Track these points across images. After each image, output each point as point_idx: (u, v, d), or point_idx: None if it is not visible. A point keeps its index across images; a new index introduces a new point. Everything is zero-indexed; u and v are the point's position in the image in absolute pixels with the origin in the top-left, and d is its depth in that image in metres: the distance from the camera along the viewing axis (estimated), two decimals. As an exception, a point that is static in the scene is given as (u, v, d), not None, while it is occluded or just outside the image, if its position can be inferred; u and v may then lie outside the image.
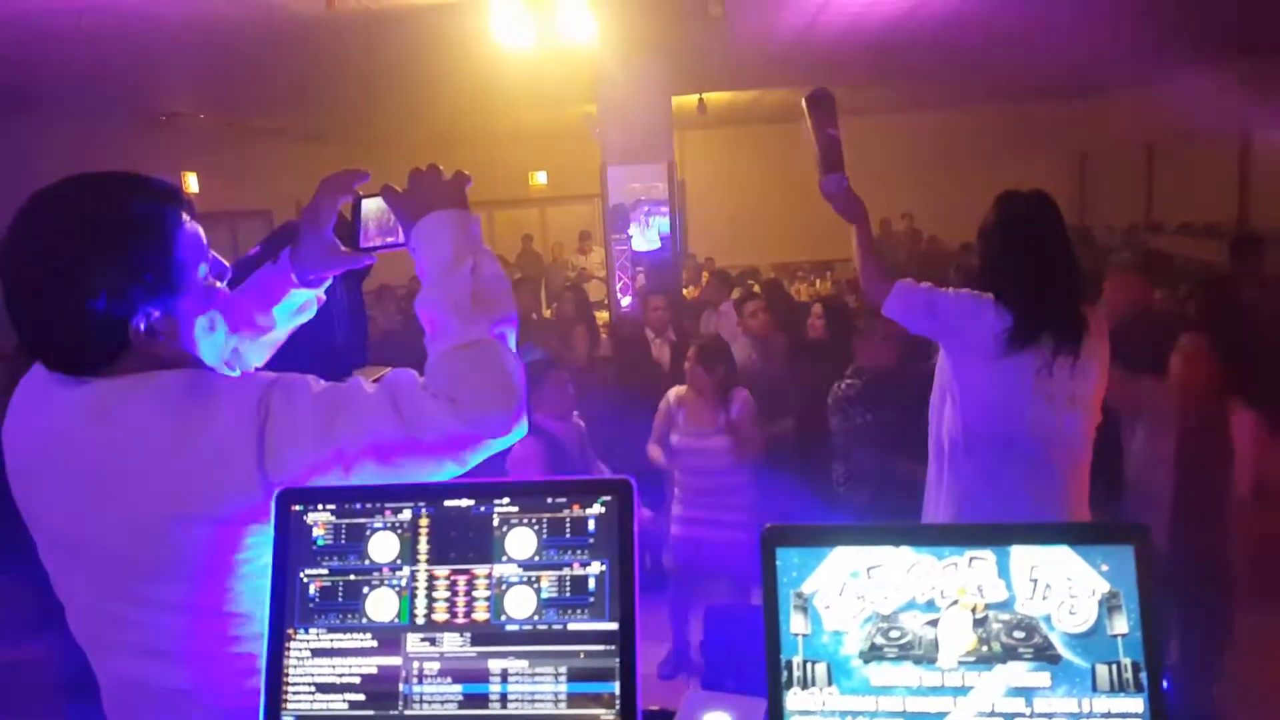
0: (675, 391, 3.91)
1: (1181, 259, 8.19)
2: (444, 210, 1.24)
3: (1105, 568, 0.96)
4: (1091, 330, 2.31)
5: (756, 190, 12.60)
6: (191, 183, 9.84)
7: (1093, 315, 2.35)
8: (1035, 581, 0.97)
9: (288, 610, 1.07)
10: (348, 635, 1.07)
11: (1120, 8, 6.13)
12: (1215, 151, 9.54)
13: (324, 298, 1.45)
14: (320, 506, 1.09)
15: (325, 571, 1.08)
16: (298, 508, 1.09)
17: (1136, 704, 0.94)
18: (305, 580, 1.08)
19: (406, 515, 1.08)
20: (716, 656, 2.73)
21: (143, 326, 1.12)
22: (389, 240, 1.33)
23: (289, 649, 1.07)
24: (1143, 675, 0.95)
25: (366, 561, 1.08)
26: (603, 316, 8.28)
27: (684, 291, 8.11)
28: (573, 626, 1.06)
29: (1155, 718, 0.94)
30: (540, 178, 13.49)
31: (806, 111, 2.29)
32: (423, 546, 1.08)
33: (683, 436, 3.80)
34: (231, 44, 5.83)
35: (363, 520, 1.09)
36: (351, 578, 1.08)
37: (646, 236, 7.56)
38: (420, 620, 1.06)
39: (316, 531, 1.09)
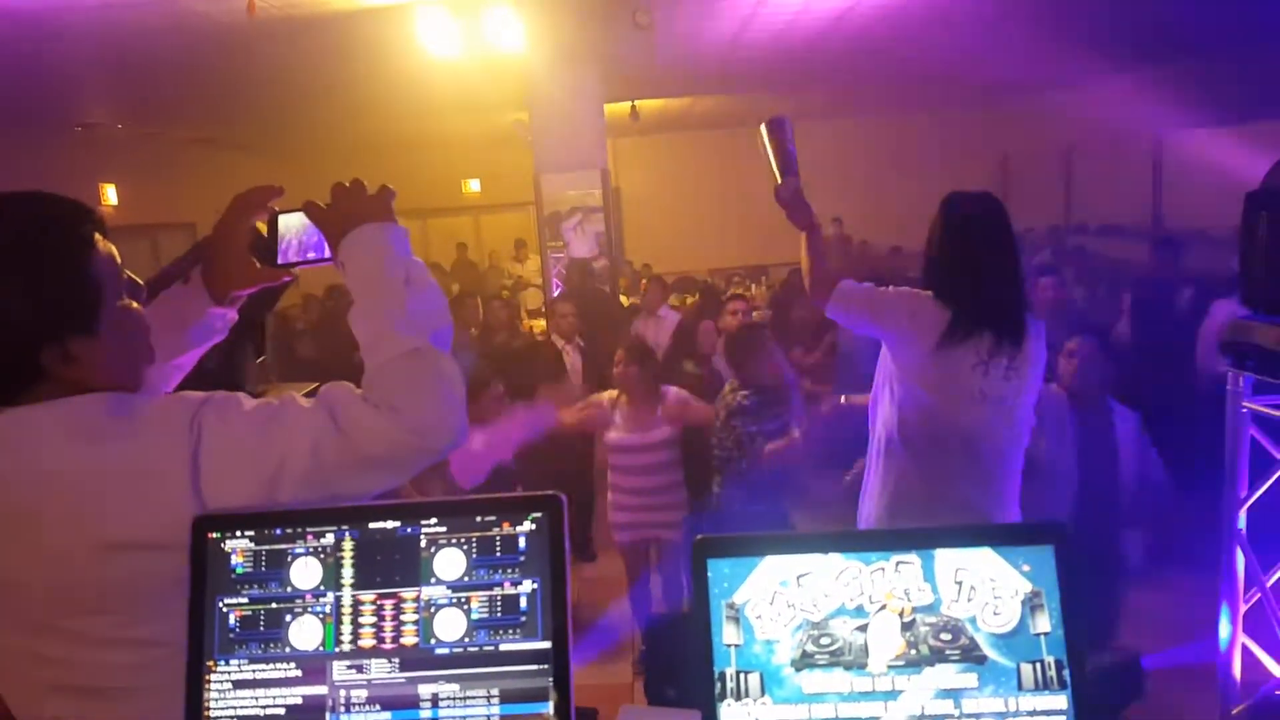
0: (608, 395, 3.93)
1: (1103, 259, 8.49)
2: (372, 223, 1.21)
3: (1027, 568, 0.99)
4: (1031, 338, 2.35)
5: (692, 196, 12.71)
6: (110, 195, 9.49)
7: (1035, 325, 2.40)
8: (960, 584, 0.99)
9: (207, 641, 1.04)
10: (271, 665, 1.03)
11: (1039, 16, 6.34)
12: (1130, 154, 9.94)
13: (235, 317, 1.40)
14: (239, 533, 1.05)
15: (245, 600, 1.04)
16: (215, 535, 1.05)
17: (1060, 701, 0.97)
18: (225, 609, 1.04)
19: (329, 539, 1.05)
20: (657, 668, 2.74)
21: (58, 353, 1.06)
22: (310, 256, 1.30)
23: (209, 681, 1.03)
24: (1066, 673, 0.97)
25: (288, 588, 1.05)
26: (540, 325, 8.24)
27: (622, 299, 8.12)
28: (504, 647, 1.04)
29: (1079, 714, 0.96)
30: (473, 185, 13.35)
31: (765, 133, 2.37)
32: (347, 571, 1.05)
33: (622, 434, 3.81)
34: (149, 52, 5.64)
35: (283, 546, 1.05)
36: (273, 606, 1.04)
37: (584, 243, 7.55)
38: (346, 647, 1.04)
39: (235, 559, 1.05)
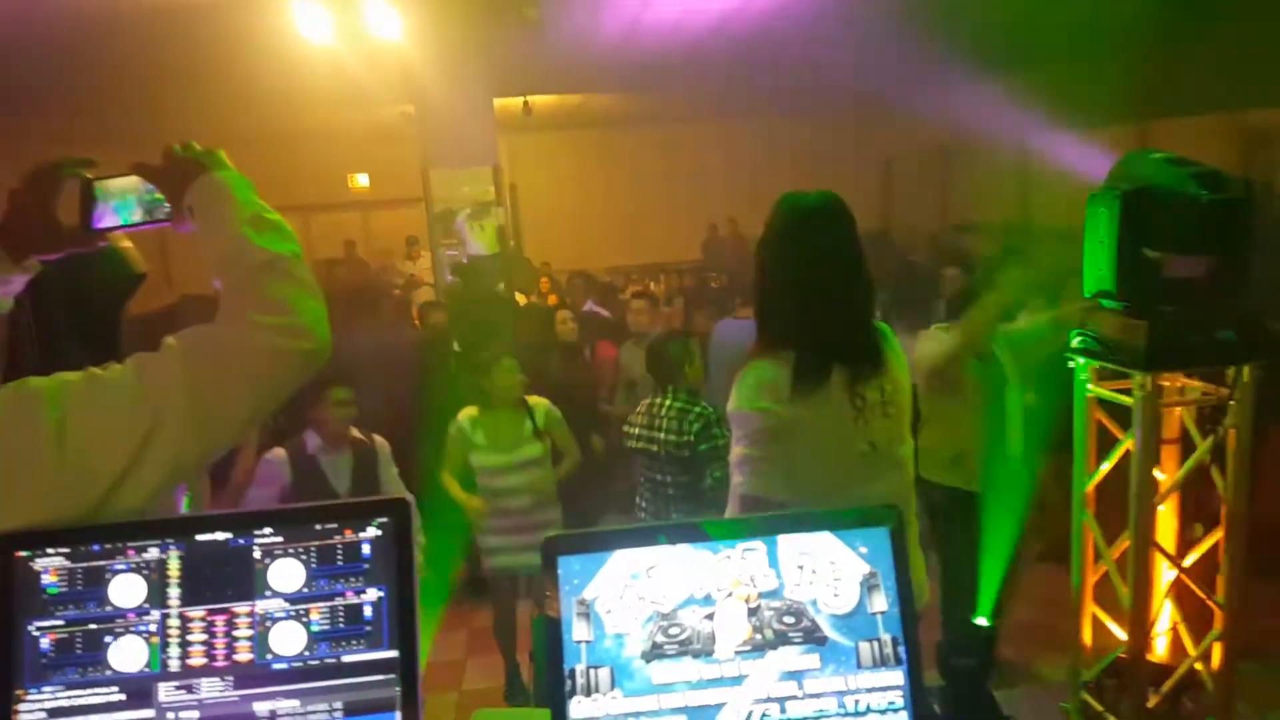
0: (466, 413, 3.59)
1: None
2: (216, 171, 1.22)
3: (864, 550, 1.01)
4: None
5: (590, 194, 12.65)
6: (-43, 192, 8.81)
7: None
8: (802, 568, 1.01)
9: (15, 669, 0.96)
10: (90, 690, 0.97)
11: (904, 21, 6.58)
12: (999, 155, 10.44)
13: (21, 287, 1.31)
14: (50, 551, 0.98)
15: (60, 622, 0.97)
16: (23, 554, 0.97)
17: (897, 676, 1.00)
18: (35, 634, 0.97)
19: (153, 554, 0.99)
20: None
21: None
22: (132, 219, 1.26)
23: (18, 712, 0.96)
24: (901, 649, 1.00)
25: (108, 608, 0.98)
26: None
27: (518, 296, 8.03)
28: (347, 659, 1.00)
29: (914, 688, 0.99)
30: (362, 180, 12.95)
31: None
32: (173, 587, 0.99)
33: (490, 455, 3.53)
34: (2, 40, 5.26)
35: (102, 562, 0.99)
36: (91, 627, 0.98)
37: (482, 240, 7.43)
38: (174, 667, 0.98)
39: (47, 579, 0.98)
